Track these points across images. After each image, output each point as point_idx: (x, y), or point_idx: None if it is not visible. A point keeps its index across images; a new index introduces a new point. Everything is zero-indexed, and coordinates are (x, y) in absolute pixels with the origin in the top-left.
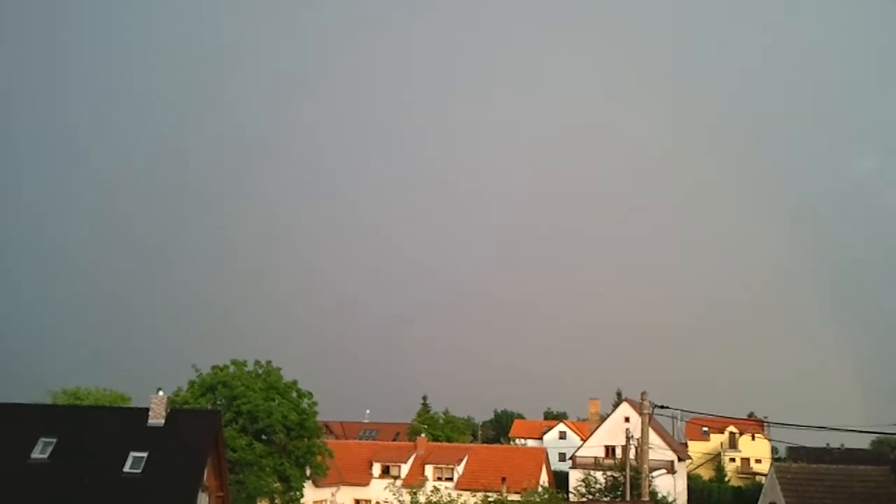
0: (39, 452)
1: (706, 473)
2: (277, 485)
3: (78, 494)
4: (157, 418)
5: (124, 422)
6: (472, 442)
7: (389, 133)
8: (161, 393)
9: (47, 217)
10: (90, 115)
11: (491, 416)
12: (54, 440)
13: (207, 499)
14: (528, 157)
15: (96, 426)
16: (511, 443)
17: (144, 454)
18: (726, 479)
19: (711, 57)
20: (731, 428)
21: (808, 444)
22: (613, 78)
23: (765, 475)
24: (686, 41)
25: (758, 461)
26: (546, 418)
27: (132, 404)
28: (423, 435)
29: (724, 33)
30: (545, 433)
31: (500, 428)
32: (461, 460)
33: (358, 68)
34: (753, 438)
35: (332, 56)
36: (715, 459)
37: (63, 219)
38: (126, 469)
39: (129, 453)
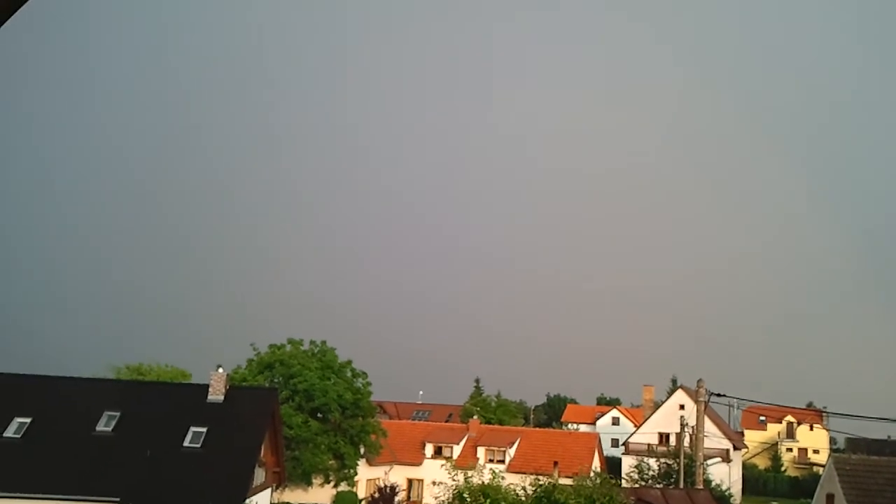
0: (104, 425)
1: (762, 463)
2: (332, 462)
3: (139, 467)
4: (216, 395)
5: (185, 397)
6: (523, 426)
7: (428, 123)
8: (221, 370)
9: (114, 202)
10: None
11: (543, 400)
12: (118, 414)
13: (264, 474)
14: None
15: (158, 401)
16: (563, 427)
17: (204, 429)
18: (783, 469)
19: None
20: (789, 417)
21: (868, 436)
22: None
23: (822, 466)
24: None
25: (815, 452)
26: (599, 404)
27: (193, 381)
28: (475, 417)
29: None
30: (598, 419)
31: (552, 412)
32: (513, 443)
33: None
34: (812, 428)
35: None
36: (771, 449)
37: (130, 203)
38: (186, 443)
39: (189, 428)
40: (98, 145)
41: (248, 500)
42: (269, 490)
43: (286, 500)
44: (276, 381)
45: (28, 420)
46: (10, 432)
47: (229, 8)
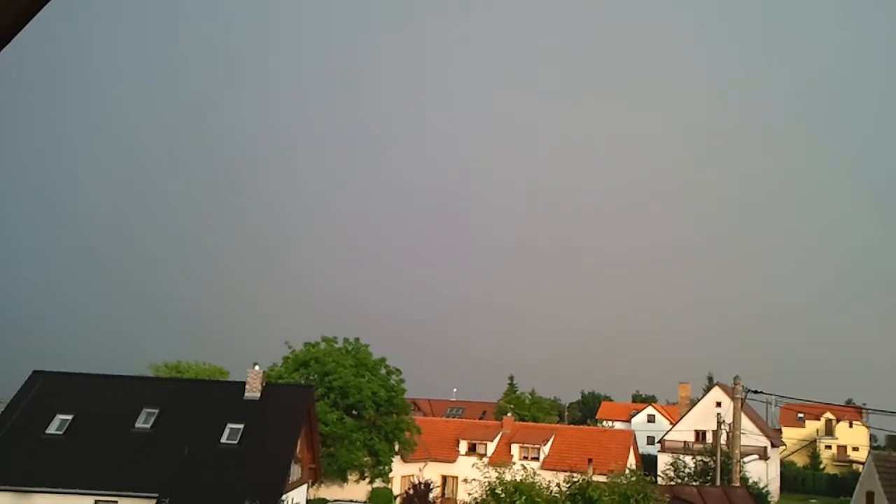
0: (143, 422)
1: (801, 460)
2: (367, 459)
3: (177, 463)
4: (253, 392)
5: (222, 395)
6: (558, 423)
7: (458, 115)
8: (257, 367)
9: (147, 202)
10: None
11: (578, 397)
12: (157, 411)
13: (300, 470)
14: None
15: (196, 398)
16: (598, 425)
17: (241, 426)
18: (821, 466)
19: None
20: (828, 414)
21: None
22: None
23: (862, 463)
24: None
25: (855, 449)
26: (634, 401)
27: (230, 378)
28: (509, 414)
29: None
30: (633, 416)
31: (586, 410)
32: (547, 440)
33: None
34: (851, 426)
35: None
36: (810, 446)
37: (160, 207)
38: (223, 440)
39: (226, 425)
40: (111, 146)
41: (284, 497)
42: (305, 486)
43: (322, 497)
44: (311, 378)
45: (70, 417)
46: (52, 429)
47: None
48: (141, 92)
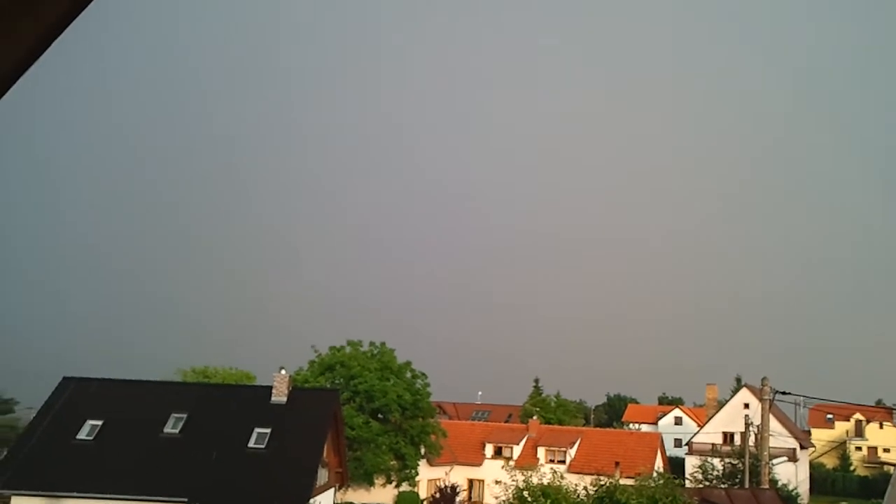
0: (171, 427)
1: (830, 462)
2: (393, 462)
3: (206, 467)
4: (279, 396)
5: (249, 399)
6: (584, 426)
7: (482, 114)
8: (283, 372)
9: (174, 209)
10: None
11: (603, 400)
12: (185, 416)
13: (327, 474)
14: None
15: (223, 403)
16: (625, 427)
17: (268, 430)
18: (851, 468)
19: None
20: (858, 415)
21: None
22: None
23: (893, 465)
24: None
25: (886, 450)
26: (661, 403)
27: (257, 383)
28: (535, 417)
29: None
30: (660, 418)
31: (612, 412)
32: (573, 443)
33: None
34: (882, 426)
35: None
36: (840, 448)
37: (195, 208)
38: (251, 444)
39: (253, 429)
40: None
41: (311, 501)
42: (332, 490)
43: (349, 500)
44: (336, 382)
45: (100, 423)
46: (82, 434)
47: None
48: (148, 91)
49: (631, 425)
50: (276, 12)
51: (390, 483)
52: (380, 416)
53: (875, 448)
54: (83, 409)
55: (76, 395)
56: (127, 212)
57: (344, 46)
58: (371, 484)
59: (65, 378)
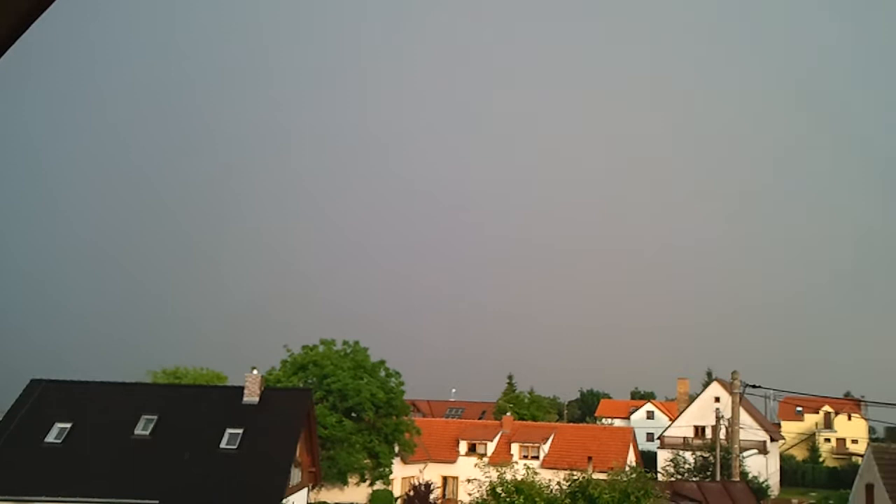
0: (142, 429)
1: (800, 454)
2: (367, 461)
3: (177, 469)
4: (251, 396)
5: (221, 400)
6: (557, 421)
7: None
8: (255, 372)
9: (142, 204)
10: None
11: (576, 395)
12: (155, 417)
13: (300, 474)
14: None
15: (194, 404)
16: (598, 422)
17: (240, 431)
18: (821, 459)
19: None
20: (827, 407)
21: None
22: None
23: (861, 456)
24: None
25: (854, 442)
26: (633, 398)
27: (228, 383)
28: (508, 414)
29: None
30: (632, 413)
31: (585, 408)
32: (547, 439)
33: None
34: (850, 418)
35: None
36: (809, 440)
37: (161, 208)
38: (223, 445)
39: (225, 430)
40: (107, 147)
41: (284, 501)
42: (305, 490)
43: (322, 500)
44: (309, 381)
45: (68, 425)
46: (51, 437)
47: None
48: (145, 90)
49: (604, 420)
50: (263, 16)
51: (364, 482)
52: (353, 414)
53: (843, 439)
54: (51, 412)
55: (44, 397)
56: (92, 206)
57: (334, 47)
58: (345, 483)
59: (32, 380)
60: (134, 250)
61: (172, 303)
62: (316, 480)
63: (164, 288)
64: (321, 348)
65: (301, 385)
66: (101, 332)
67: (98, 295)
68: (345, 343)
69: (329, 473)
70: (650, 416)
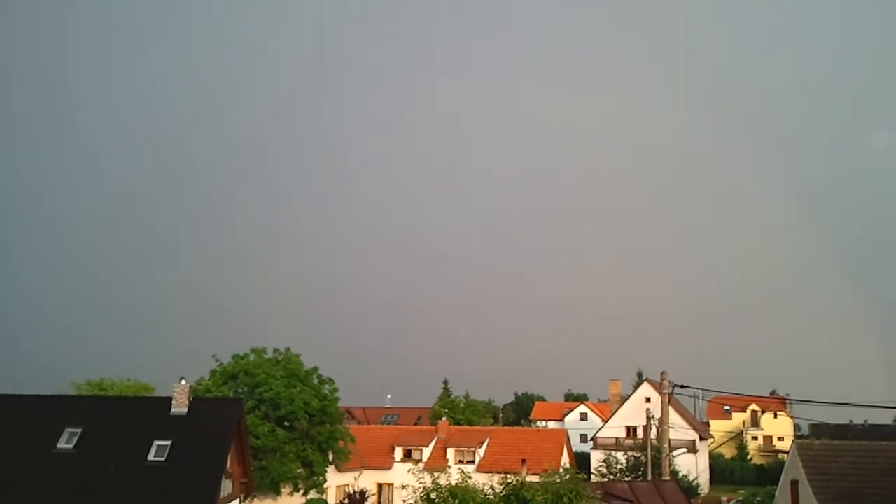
0: (65, 443)
1: (728, 452)
2: (301, 470)
3: (103, 483)
4: (179, 407)
5: (148, 411)
6: (493, 425)
7: (398, 128)
8: (183, 382)
9: (65, 212)
10: (101, 112)
11: (512, 398)
12: (80, 430)
13: (231, 485)
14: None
15: (120, 416)
16: (532, 425)
17: (168, 442)
18: (749, 457)
19: (717, 51)
20: (754, 406)
21: (830, 421)
22: (617, 74)
23: (787, 453)
24: (689, 38)
25: (780, 439)
26: (567, 400)
27: (156, 394)
28: (444, 419)
29: (728, 29)
30: (566, 415)
31: (521, 411)
32: (482, 443)
33: (376, 66)
34: (776, 416)
35: (343, 53)
36: (737, 438)
37: (81, 215)
38: (150, 457)
39: (153, 442)
40: (80, 147)
41: None
42: (236, 501)
43: None
44: (240, 391)
45: None
46: None
47: (219, 11)
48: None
49: (538, 423)
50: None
51: (298, 491)
52: (286, 423)
53: (770, 437)
54: None
55: None
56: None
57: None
58: (278, 493)
59: None
60: (49, 259)
61: (98, 313)
62: (248, 491)
63: (87, 298)
64: (252, 357)
65: (232, 395)
66: (20, 344)
67: (19, 306)
68: (276, 351)
69: (262, 484)
70: (583, 417)
